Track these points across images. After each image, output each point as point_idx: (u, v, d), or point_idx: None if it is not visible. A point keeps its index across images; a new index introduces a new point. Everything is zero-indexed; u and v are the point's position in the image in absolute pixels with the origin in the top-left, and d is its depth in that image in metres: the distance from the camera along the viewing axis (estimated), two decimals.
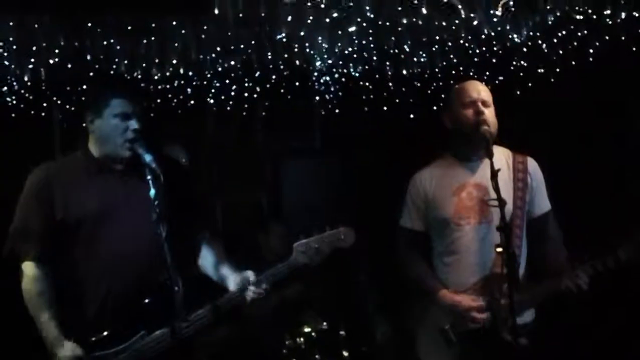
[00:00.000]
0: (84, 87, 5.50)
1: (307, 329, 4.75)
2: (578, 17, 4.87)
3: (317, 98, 6.26)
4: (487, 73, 5.81)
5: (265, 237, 5.32)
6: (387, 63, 5.66)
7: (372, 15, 4.77)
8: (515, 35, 5.09)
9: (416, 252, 3.66)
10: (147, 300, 3.09)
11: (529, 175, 3.57)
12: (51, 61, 5.00)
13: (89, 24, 4.72)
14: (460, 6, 4.62)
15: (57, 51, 4.92)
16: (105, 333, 3.07)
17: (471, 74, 5.78)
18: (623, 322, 5.00)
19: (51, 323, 3.07)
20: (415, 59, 5.57)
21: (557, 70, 5.56)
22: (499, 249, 3.10)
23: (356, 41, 5.19)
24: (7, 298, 3.27)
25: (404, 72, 5.73)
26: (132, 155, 3.09)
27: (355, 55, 5.48)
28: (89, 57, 5.07)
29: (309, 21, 4.76)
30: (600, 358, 5.02)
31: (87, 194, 3.15)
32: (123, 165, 3.19)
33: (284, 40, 5.02)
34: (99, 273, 3.11)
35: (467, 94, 3.53)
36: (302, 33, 4.92)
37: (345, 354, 4.77)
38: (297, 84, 5.99)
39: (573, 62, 5.39)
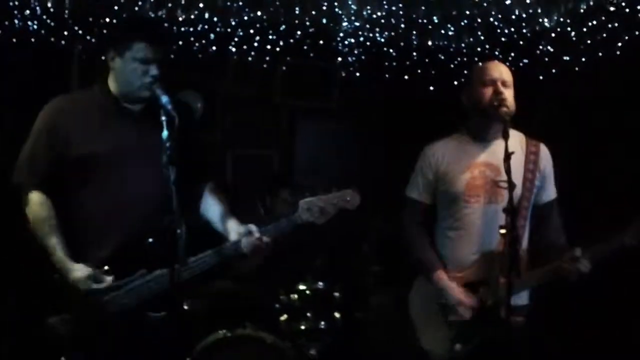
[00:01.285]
0: (107, 20, 5.48)
1: (302, 287, 4.78)
2: (611, 8, 4.82)
3: (339, 59, 6.21)
4: (512, 54, 5.76)
5: (272, 199, 5.32)
6: (414, 32, 5.61)
7: None
8: (545, 20, 5.04)
9: (419, 225, 3.67)
10: (150, 240, 3.11)
11: (541, 162, 3.57)
12: None
13: None
14: None
15: None
16: (105, 268, 3.10)
17: (496, 53, 5.74)
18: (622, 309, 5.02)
19: (58, 248, 3.09)
20: (442, 32, 5.52)
21: (583, 59, 5.50)
22: (503, 230, 3.10)
23: (385, 7, 5.14)
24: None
25: (429, 43, 5.68)
26: (150, 96, 3.09)
27: (382, 21, 5.43)
28: None
29: None
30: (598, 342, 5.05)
31: (102, 133, 3.16)
32: (140, 106, 3.20)
33: None
34: (106, 211, 3.13)
35: (487, 73, 3.52)
36: None
37: (337, 316, 4.80)
38: (321, 42, 5.94)
39: (600, 54, 5.34)
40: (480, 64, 3.68)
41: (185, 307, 4.47)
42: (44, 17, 5.51)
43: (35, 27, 5.65)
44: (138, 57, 3.11)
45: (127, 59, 3.12)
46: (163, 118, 2.90)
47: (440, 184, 3.59)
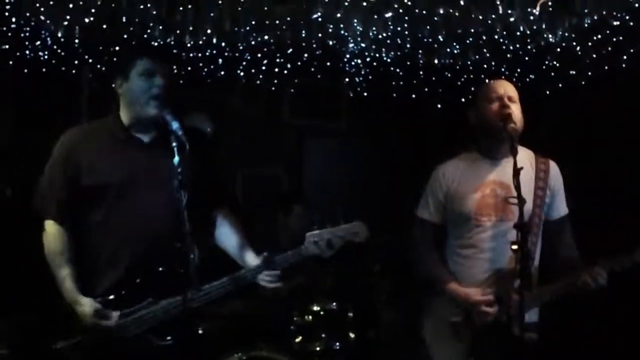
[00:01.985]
0: (117, 48, 5.55)
1: (315, 308, 4.78)
2: (615, 22, 4.84)
3: (347, 80, 6.25)
4: (519, 70, 5.78)
5: (284, 216, 5.35)
6: (420, 51, 5.64)
7: (409, 3, 4.77)
8: (550, 35, 5.06)
9: (429, 244, 3.68)
10: (160, 269, 3.14)
11: (550, 179, 3.59)
12: (86, 20, 5.02)
13: None
14: (498, 1, 4.60)
15: (93, 10, 4.94)
16: (111, 297, 3.13)
17: (503, 69, 5.76)
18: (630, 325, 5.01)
19: (68, 280, 3.16)
20: (448, 50, 5.55)
21: (589, 74, 5.53)
22: (515, 247, 3.11)
23: (391, 27, 5.17)
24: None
25: (436, 61, 5.71)
26: (158, 118, 3.13)
27: (388, 41, 5.46)
28: (123, 20, 5.09)
29: (346, 3, 4.76)
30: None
31: (113, 162, 3.22)
32: (150, 135, 3.24)
33: (320, 20, 5.01)
34: (115, 238, 3.17)
35: (492, 90, 3.55)
36: (338, 14, 4.91)
37: (352, 335, 4.80)
38: (328, 64, 5.98)
39: (605, 67, 5.36)
40: (486, 82, 3.71)
41: (200, 332, 4.48)
42: (55, 46, 5.58)
43: (46, 56, 5.72)
44: (141, 71, 3.18)
45: (132, 78, 3.20)
46: (174, 144, 2.94)
47: (450, 203, 3.60)
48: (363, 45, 5.58)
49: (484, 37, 5.32)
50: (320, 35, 5.30)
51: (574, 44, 5.26)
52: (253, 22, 5.14)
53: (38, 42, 5.53)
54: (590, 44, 5.24)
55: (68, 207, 3.23)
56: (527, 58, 5.61)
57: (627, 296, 4.64)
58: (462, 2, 4.63)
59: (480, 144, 3.64)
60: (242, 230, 3.41)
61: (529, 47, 5.41)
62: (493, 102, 3.51)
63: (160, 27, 5.17)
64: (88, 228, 3.22)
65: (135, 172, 3.20)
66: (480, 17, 4.94)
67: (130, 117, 3.26)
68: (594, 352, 5.10)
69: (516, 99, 3.53)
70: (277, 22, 5.14)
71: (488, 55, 5.60)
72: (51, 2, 4.87)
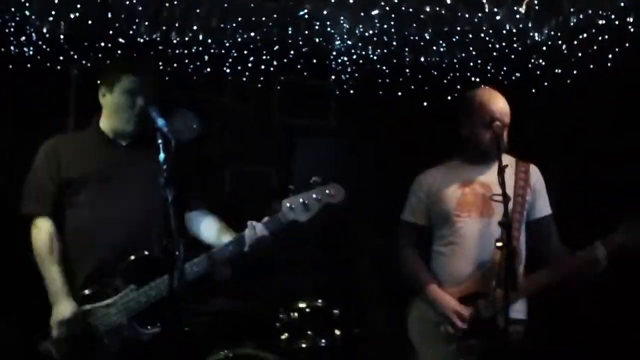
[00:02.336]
0: (102, 44, 5.52)
1: (301, 305, 4.79)
2: (601, 21, 4.86)
3: (334, 77, 6.24)
4: (504, 69, 5.80)
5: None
6: (406, 49, 5.64)
7: (396, 1, 4.77)
8: (536, 34, 5.07)
9: (413, 245, 3.72)
10: (138, 256, 3.15)
11: (531, 178, 3.66)
12: (72, 15, 5.00)
13: None
14: (485, 0, 4.61)
15: (78, 5, 4.92)
16: (89, 291, 3.15)
17: (488, 68, 5.77)
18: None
19: (59, 278, 3.22)
20: (434, 48, 5.56)
21: (575, 72, 5.55)
22: (499, 244, 3.14)
23: (378, 25, 5.17)
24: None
25: (422, 59, 5.72)
26: (138, 129, 3.18)
27: (375, 39, 5.46)
28: (109, 15, 5.07)
29: (332, 0, 4.76)
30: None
31: (91, 157, 3.35)
32: (128, 140, 3.30)
33: (307, 17, 5.01)
34: (90, 229, 3.24)
35: (490, 111, 3.55)
36: (325, 12, 4.91)
37: (337, 333, 4.80)
38: (314, 61, 5.97)
39: (591, 66, 5.38)
40: (483, 95, 3.69)
41: (187, 329, 4.48)
42: (40, 42, 5.54)
43: (31, 52, 5.69)
44: (126, 88, 3.27)
45: (115, 93, 3.30)
46: (159, 141, 2.95)
47: (432, 204, 3.65)
48: (349, 42, 5.57)
49: (470, 36, 5.33)
50: (307, 32, 5.30)
51: (560, 42, 5.28)
52: (240, 19, 5.13)
53: (23, 38, 5.49)
54: (576, 43, 5.25)
55: (52, 202, 3.27)
56: (513, 57, 5.61)
57: (619, 291, 4.68)
58: (449, 1, 4.64)
59: (465, 152, 3.68)
60: (220, 221, 3.46)
61: (515, 45, 5.42)
62: (488, 127, 3.52)
63: (147, 23, 5.15)
64: (67, 218, 3.31)
65: (112, 167, 3.32)
66: (467, 16, 4.95)
67: (109, 127, 3.38)
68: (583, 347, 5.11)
69: (508, 123, 3.57)
70: (264, 19, 5.14)
71: (474, 53, 5.61)
72: None
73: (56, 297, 3.18)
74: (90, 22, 5.12)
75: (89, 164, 3.31)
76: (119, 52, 5.34)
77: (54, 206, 3.31)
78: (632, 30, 4.82)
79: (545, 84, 5.79)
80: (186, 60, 5.90)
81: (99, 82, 3.41)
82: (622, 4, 4.58)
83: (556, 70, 5.64)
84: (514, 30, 5.07)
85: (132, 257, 3.18)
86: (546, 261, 3.61)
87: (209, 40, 5.49)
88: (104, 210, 3.25)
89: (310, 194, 3.24)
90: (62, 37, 5.34)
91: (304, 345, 4.69)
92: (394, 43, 5.52)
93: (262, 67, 6.07)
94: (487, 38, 5.32)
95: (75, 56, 5.83)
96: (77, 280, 3.24)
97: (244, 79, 6.23)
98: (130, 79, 3.29)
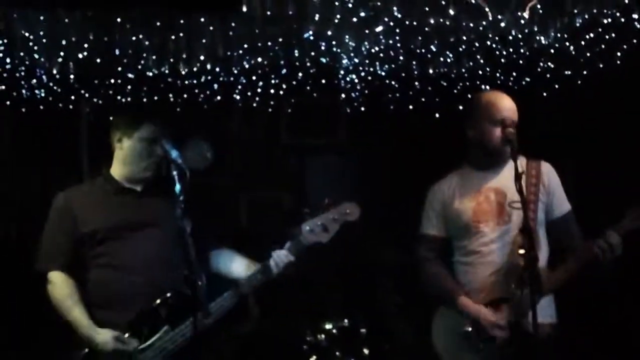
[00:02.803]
0: (112, 81, 5.57)
1: (328, 326, 4.77)
2: (606, 20, 4.85)
3: (343, 96, 6.25)
4: (514, 74, 5.79)
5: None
6: (414, 63, 5.65)
7: (399, 15, 4.78)
8: (542, 38, 5.07)
9: (435, 258, 3.69)
10: (169, 295, 3.15)
11: (543, 178, 3.59)
12: (80, 55, 5.05)
13: (118, 19, 4.76)
14: (487, 8, 4.61)
15: (85, 45, 4.96)
16: (126, 335, 3.15)
17: (497, 74, 5.76)
18: None
19: (83, 317, 3.25)
20: (441, 59, 5.56)
21: (584, 73, 5.53)
22: (522, 251, 3.12)
23: (383, 40, 5.18)
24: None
25: (430, 71, 5.72)
26: (154, 176, 3.19)
27: (381, 55, 5.47)
28: (117, 52, 5.11)
29: (336, 20, 4.78)
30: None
31: (106, 209, 3.36)
32: (142, 185, 3.30)
33: (311, 38, 5.03)
34: (118, 280, 3.25)
35: (497, 113, 3.53)
36: (329, 32, 4.93)
37: (366, 351, 4.78)
38: (323, 81, 5.99)
39: (600, 65, 5.36)
40: (487, 95, 3.69)
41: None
42: (50, 84, 5.60)
43: (42, 94, 5.74)
44: (144, 137, 3.29)
45: (135, 140, 3.31)
46: (174, 172, 2.96)
47: (449, 216, 3.62)
48: (356, 60, 5.58)
49: (477, 44, 5.32)
50: (313, 53, 5.31)
51: (567, 44, 5.26)
52: (245, 46, 5.16)
53: (34, 81, 5.55)
54: (583, 43, 5.23)
55: (71, 257, 3.33)
56: (520, 61, 5.61)
57: None
58: (452, 12, 4.64)
59: (475, 157, 3.65)
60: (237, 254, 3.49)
61: (521, 50, 5.41)
62: (496, 125, 3.51)
63: (154, 57, 5.19)
64: (90, 273, 3.33)
65: (128, 217, 3.34)
66: (471, 25, 4.94)
67: (124, 173, 3.39)
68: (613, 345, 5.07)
69: (516, 120, 3.54)
70: (270, 43, 5.16)
71: (482, 61, 5.60)
72: (44, 40, 4.90)
73: (90, 330, 3.20)
74: (98, 60, 5.17)
75: (106, 217, 3.32)
76: (129, 87, 5.38)
77: (70, 261, 3.34)
78: (638, 26, 4.80)
79: (556, 86, 5.77)
80: (196, 90, 5.93)
81: (114, 127, 3.40)
82: (626, 1, 4.57)
83: (565, 72, 5.63)
84: (520, 36, 5.07)
85: (158, 301, 3.17)
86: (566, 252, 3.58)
87: (217, 69, 5.52)
88: (126, 260, 3.27)
89: (328, 215, 3.29)
90: (71, 77, 5.39)
91: None
92: (401, 57, 5.53)
93: (272, 91, 6.09)
94: (493, 45, 5.32)
95: (86, 95, 5.88)
96: (112, 327, 3.23)
97: (254, 104, 6.25)
98: (149, 128, 3.30)
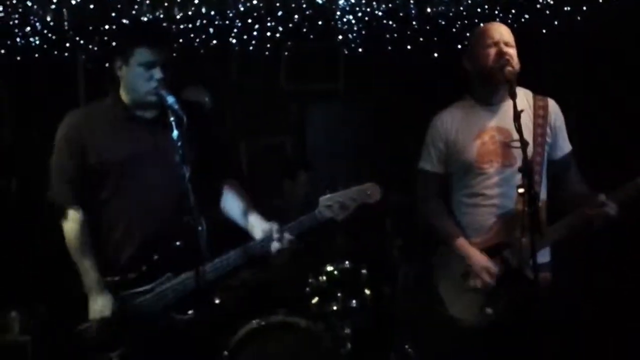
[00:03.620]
0: (106, 27, 5.52)
1: (329, 268, 4.80)
2: None
3: (340, 38, 6.20)
4: (513, 12, 5.73)
5: (291, 183, 5.36)
6: (411, 2, 5.59)
7: None
8: None
9: (435, 196, 3.67)
10: (175, 243, 3.15)
11: (550, 117, 3.54)
12: (73, 2, 4.99)
13: None
14: None
15: None
16: (131, 275, 3.16)
17: (496, 12, 5.71)
18: None
19: (91, 271, 3.19)
20: None
21: (584, 9, 5.47)
22: (521, 190, 3.11)
23: None
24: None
25: (428, 10, 5.66)
26: (159, 101, 3.12)
27: None
28: None
29: None
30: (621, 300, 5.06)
31: (116, 140, 3.22)
32: (152, 112, 3.24)
33: None
34: (126, 216, 3.19)
35: (488, 35, 3.49)
36: None
37: (367, 292, 4.82)
38: (320, 23, 5.93)
39: (600, 1, 5.30)
40: (480, 26, 3.67)
41: (217, 301, 4.51)
42: (45, 31, 5.55)
43: (37, 42, 5.69)
44: (142, 61, 3.14)
45: (131, 65, 3.17)
46: (171, 118, 2.94)
47: (451, 153, 3.58)
48: (353, 0, 5.52)
49: None
50: None
51: None
52: None
53: (28, 28, 5.49)
54: None
55: (82, 189, 3.24)
56: None
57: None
58: None
59: (477, 91, 3.60)
60: (246, 197, 3.38)
61: None
62: (489, 47, 3.46)
63: (148, 2, 5.14)
64: (96, 207, 3.24)
65: (139, 149, 3.21)
66: None
67: (129, 99, 3.25)
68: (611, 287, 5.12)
69: (512, 42, 3.49)
70: None
71: None
72: None
73: (91, 291, 3.17)
74: (92, 6, 5.12)
75: (115, 146, 3.21)
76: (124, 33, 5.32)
77: (83, 193, 3.24)
78: None
79: (556, 22, 5.71)
80: (191, 35, 5.88)
81: (112, 56, 3.30)
82: None
83: (565, 8, 5.56)
84: None
85: (169, 246, 3.16)
86: (566, 199, 3.56)
87: (212, 13, 5.47)
88: (134, 198, 3.19)
89: (349, 194, 3.20)
90: (66, 24, 5.33)
91: (335, 308, 4.71)
92: None
93: (268, 34, 6.03)
94: None
95: (81, 42, 5.83)
96: (116, 265, 3.21)
97: (251, 48, 6.20)
98: (145, 52, 3.14)
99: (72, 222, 3.24)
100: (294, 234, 3.20)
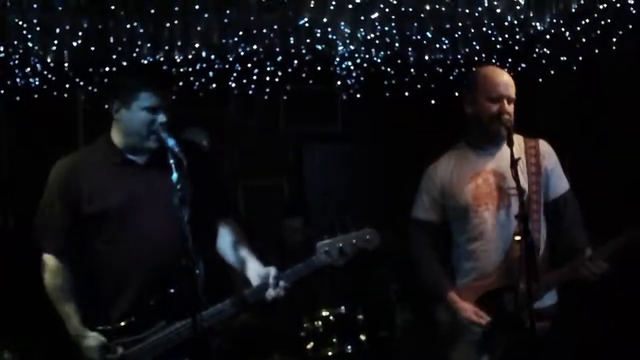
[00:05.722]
0: (107, 69, 5.55)
1: (324, 313, 4.78)
2: (601, 5, 4.85)
3: (339, 83, 6.25)
4: (509, 60, 5.79)
5: (288, 224, 5.36)
6: (409, 49, 5.64)
7: (394, 1, 4.77)
8: (538, 23, 5.07)
9: (427, 246, 3.65)
10: (171, 290, 3.11)
11: (542, 159, 3.54)
12: (74, 43, 5.03)
13: (112, 7, 4.74)
14: None
15: (80, 33, 4.94)
16: (122, 323, 3.12)
17: (493, 61, 5.76)
18: None
19: (73, 315, 3.14)
20: (437, 45, 5.56)
21: (580, 58, 5.53)
22: (518, 237, 3.11)
23: (379, 27, 5.18)
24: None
25: (426, 58, 5.72)
26: (158, 145, 3.10)
27: (377, 41, 5.47)
28: (111, 40, 5.09)
29: (331, 7, 4.77)
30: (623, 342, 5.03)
31: (111, 187, 3.18)
32: (144, 157, 3.20)
33: (307, 25, 5.02)
34: (123, 264, 3.13)
35: (495, 89, 3.47)
36: (324, 18, 4.92)
37: (363, 338, 4.79)
38: (318, 68, 5.98)
39: (596, 51, 5.36)
40: (486, 70, 3.63)
41: (213, 346, 4.48)
42: (45, 72, 5.58)
43: (37, 82, 5.73)
44: (146, 105, 3.09)
45: (134, 109, 3.11)
46: (171, 161, 2.93)
47: (447, 199, 3.58)
48: (352, 47, 5.58)
49: (473, 30, 5.33)
50: (308, 40, 5.30)
51: (563, 29, 5.27)
52: (240, 33, 5.15)
53: (28, 69, 5.53)
54: (579, 29, 5.24)
55: (68, 238, 3.19)
56: (517, 47, 5.62)
57: None
58: None
59: (473, 135, 3.61)
60: (243, 237, 3.33)
61: (517, 36, 5.42)
62: (493, 102, 3.46)
63: (149, 45, 5.17)
64: (93, 256, 3.19)
65: (134, 195, 3.16)
66: (467, 11, 4.95)
67: (125, 143, 3.19)
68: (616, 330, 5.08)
69: (514, 96, 3.51)
70: (265, 30, 5.15)
71: (478, 47, 5.61)
72: (38, 28, 4.88)
73: (78, 331, 3.11)
74: (92, 48, 5.15)
75: (110, 194, 3.15)
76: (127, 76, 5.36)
77: (68, 241, 3.18)
78: (633, 12, 4.80)
79: (552, 72, 5.77)
80: (191, 78, 5.92)
81: (111, 96, 3.24)
82: None
83: (561, 58, 5.63)
84: (516, 22, 5.08)
85: (165, 293, 3.11)
86: (562, 239, 3.54)
87: (212, 56, 5.51)
88: (131, 245, 3.13)
89: (348, 238, 3.12)
90: (66, 65, 5.36)
91: (330, 353, 4.68)
92: (397, 44, 5.53)
93: (267, 78, 6.08)
94: (489, 31, 5.33)
95: (81, 83, 5.87)
96: (111, 314, 3.16)
97: (250, 92, 6.25)
98: (150, 96, 3.08)
99: (50, 269, 3.20)
100: (291, 280, 3.12)
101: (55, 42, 5.02)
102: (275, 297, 3.11)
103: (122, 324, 3.12)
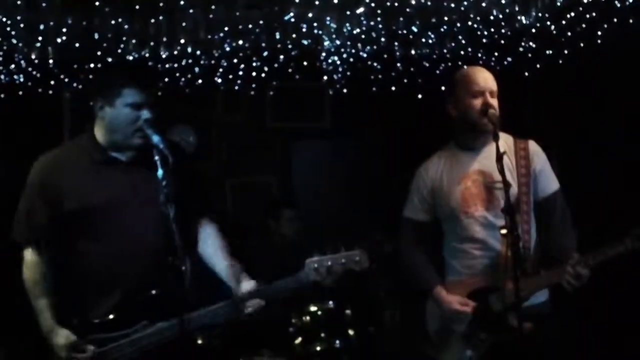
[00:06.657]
0: (92, 66, 5.52)
1: (313, 308, 4.79)
2: (587, 0, 4.86)
3: (326, 78, 6.24)
4: (495, 54, 5.80)
5: (275, 221, 5.35)
6: (396, 44, 5.64)
7: None
8: (523, 18, 5.07)
9: (416, 244, 3.69)
10: (154, 289, 3.09)
11: (532, 158, 3.56)
12: (59, 40, 4.99)
13: (97, 3, 4.71)
14: None
15: (64, 30, 4.91)
16: (110, 317, 3.10)
17: (479, 55, 5.77)
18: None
19: (46, 311, 3.13)
20: (423, 40, 5.55)
21: (566, 52, 5.54)
22: (504, 231, 3.11)
23: (365, 22, 5.17)
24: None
25: (412, 52, 5.72)
26: (143, 143, 3.08)
27: (363, 36, 5.46)
28: (96, 36, 5.07)
29: (317, 2, 4.76)
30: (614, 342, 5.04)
31: (94, 184, 3.15)
32: (128, 154, 3.18)
33: (293, 20, 5.01)
34: (106, 262, 3.11)
35: (475, 83, 3.50)
36: (310, 14, 4.91)
37: (351, 333, 4.80)
38: (305, 64, 5.97)
39: (582, 45, 5.38)
40: (464, 71, 3.68)
41: (200, 342, 4.47)
42: (30, 69, 5.55)
43: (21, 79, 5.69)
44: (130, 102, 3.07)
45: (118, 106, 3.09)
46: (156, 158, 2.92)
47: (437, 200, 3.61)
48: (339, 42, 5.57)
49: (459, 25, 5.32)
50: (295, 36, 5.29)
51: (549, 24, 5.27)
52: (226, 29, 5.13)
53: (12, 66, 5.49)
54: (564, 23, 5.24)
55: (48, 234, 3.18)
56: (503, 42, 5.62)
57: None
58: None
59: (460, 136, 3.64)
60: (223, 243, 3.33)
61: (503, 31, 5.42)
62: (476, 97, 3.48)
63: (134, 41, 5.15)
64: (77, 254, 3.16)
65: (117, 193, 3.13)
66: (453, 5, 4.95)
67: (109, 140, 3.17)
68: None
69: (496, 91, 3.52)
70: (251, 26, 5.13)
71: (464, 42, 5.61)
72: (22, 25, 4.84)
73: (49, 327, 3.11)
74: (77, 44, 5.11)
75: (93, 191, 3.12)
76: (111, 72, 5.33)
77: (47, 237, 3.17)
78: (618, 5, 4.81)
79: (538, 66, 5.78)
80: (177, 74, 5.90)
81: (94, 93, 3.21)
82: None
83: (547, 52, 5.64)
84: (501, 16, 5.07)
85: (149, 291, 3.09)
86: (550, 240, 3.55)
87: (198, 52, 5.49)
88: (116, 243, 3.11)
89: (338, 258, 3.11)
90: (51, 62, 5.32)
91: (318, 348, 4.69)
92: (383, 39, 5.52)
93: (253, 74, 6.06)
94: (475, 26, 5.32)
95: (66, 80, 5.84)
96: (96, 312, 3.11)
97: (236, 88, 6.23)
98: (134, 93, 3.06)
99: (29, 263, 3.19)
100: (277, 294, 3.13)
101: (40, 38, 4.98)
102: (250, 314, 3.13)
103: (97, 321, 3.10)
